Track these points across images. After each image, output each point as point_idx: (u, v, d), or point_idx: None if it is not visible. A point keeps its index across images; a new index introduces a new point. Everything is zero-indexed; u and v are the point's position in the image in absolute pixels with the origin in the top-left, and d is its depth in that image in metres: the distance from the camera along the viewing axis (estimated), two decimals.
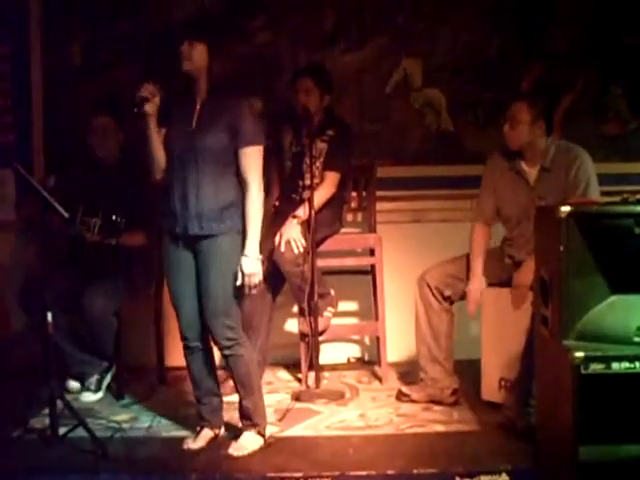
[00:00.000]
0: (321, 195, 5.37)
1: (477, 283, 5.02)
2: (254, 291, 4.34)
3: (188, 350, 4.49)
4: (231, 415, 4.72)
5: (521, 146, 4.94)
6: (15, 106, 6.17)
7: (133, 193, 5.31)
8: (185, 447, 4.47)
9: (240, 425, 4.53)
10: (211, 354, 4.55)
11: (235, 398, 4.92)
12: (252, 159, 4.30)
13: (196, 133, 4.28)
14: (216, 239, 4.29)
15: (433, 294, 5.05)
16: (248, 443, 4.43)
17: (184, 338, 4.47)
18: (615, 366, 3.52)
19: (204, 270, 4.32)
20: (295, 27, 6.12)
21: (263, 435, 4.49)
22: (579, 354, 3.53)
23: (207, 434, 4.52)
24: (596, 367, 3.52)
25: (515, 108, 4.92)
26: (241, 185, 4.32)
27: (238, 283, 4.29)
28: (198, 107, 4.34)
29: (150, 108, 4.26)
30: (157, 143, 4.32)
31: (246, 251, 4.29)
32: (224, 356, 4.44)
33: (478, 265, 5.04)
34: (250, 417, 4.48)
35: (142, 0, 6.19)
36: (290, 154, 5.63)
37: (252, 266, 4.28)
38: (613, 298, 3.66)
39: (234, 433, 4.59)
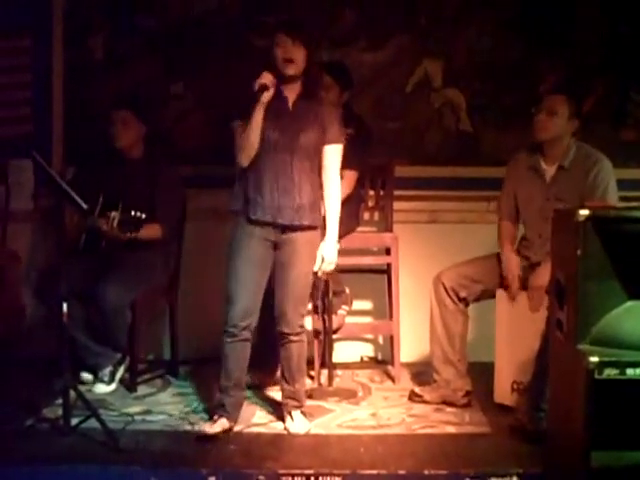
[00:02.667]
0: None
1: (515, 264, 4.99)
2: (325, 277, 4.66)
3: (231, 338, 4.52)
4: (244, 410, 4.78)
5: (550, 138, 4.91)
6: (35, 98, 6.18)
7: (153, 186, 5.33)
8: (200, 429, 4.52)
9: (287, 406, 4.71)
10: (249, 348, 4.60)
11: (247, 394, 4.96)
12: (337, 156, 4.60)
13: (295, 129, 4.46)
14: (310, 231, 4.53)
15: (449, 295, 5.04)
16: (303, 421, 4.69)
17: (233, 326, 4.50)
18: (630, 372, 3.50)
19: (293, 259, 4.52)
20: (316, 24, 6.11)
21: (305, 415, 4.74)
22: (593, 359, 3.51)
23: (224, 423, 4.55)
24: (610, 372, 3.50)
25: (554, 99, 4.90)
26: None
27: (315, 268, 4.54)
28: (290, 105, 4.50)
29: (267, 97, 4.38)
30: (258, 132, 4.42)
31: (327, 238, 4.55)
32: (290, 341, 4.61)
33: (510, 249, 5.04)
34: (299, 399, 4.72)
35: None
36: None
37: (333, 254, 4.58)
38: (629, 303, 3.65)
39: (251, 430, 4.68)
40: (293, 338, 4.60)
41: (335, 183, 4.59)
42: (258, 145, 4.44)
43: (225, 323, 4.53)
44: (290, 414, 4.69)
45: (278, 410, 4.87)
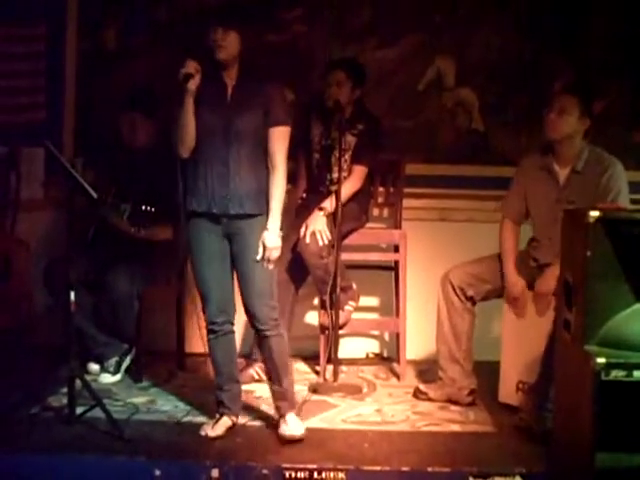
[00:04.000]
0: (348, 188, 5.38)
1: (513, 279, 4.99)
2: (271, 266, 4.36)
3: (213, 335, 4.48)
4: (249, 403, 4.80)
5: (562, 138, 4.88)
6: (48, 86, 6.19)
7: (164, 181, 5.31)
8: (202, 433, 4.47)
9: (279, 409, 4.54)
10: (234, 340, 4.57)
11: (252, 387, 4.97)
12: (280, 139, 4.38)
13: (231, 115, 4.32)
14: (256, 219, 4.36)
15: (456, 293, 5.03)
16: (298, 423, 4.49)
17: (211, 323, 4.46)
18: (637, 374, 3.50)
19: (245, 251, 4.37)
20: (331, 20, 6.11)
21: (299, 416, 4.57)
22: (601, 360, 3.51)
23: (226, 422, 4.51)
24: (617, 374, 3.50)
25: (565, 99, 4.88)
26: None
27: (258, 257, 4.33)
28: (230, 90, 4.38)
29: (192, 85, 4.28)
30: (191, 120, 4.33)
31: (268, 225, 4.34)
32: (266, 337, 4.44)
33: (510, 264, 5.01)
34: (290, 399, 4.55)
35: None
36: (319, 147, 5.63)
37: (273, 240, 4.33)
38: (638, 305, 3.65)
39: (256, 422, 4.68)
40: (268, 333, 4.44)
41: (280, 168, 4.36)
42: (196, 134, 4.35)
43: (205, 321, 4.50)
44: (284, 417, 4.51)
45: None
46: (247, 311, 4.47)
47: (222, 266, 4.45)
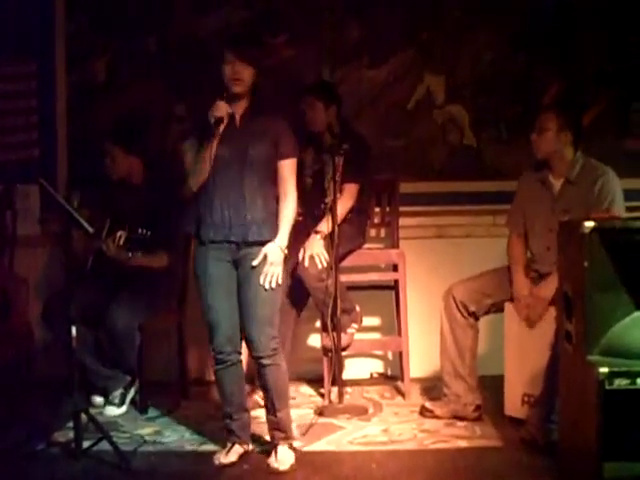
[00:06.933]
0: (341, 207, 5.36)
1: (524, 287, 4.99)
2: (272, 284, 4.32)
3: (222, 365, 4.45)
4: (253, 430, 4.73)
5: (547, 154, 4.97)
6: (40, 123, 6.21)
7: (157, 213, 5.33)
8: (216, 462, 4.44)
9: (273, 439, 4.47)
10: (242, 369, 4.54)
11: (257, 413, 4.94)
12: (291, 170, 4.48)
13: (244, 145, 4.36)
14: (263, 247, 4.37)
15: (458, 309, 5.04)
16: (287, 457, 4.40)
17: (219, 352, 4.43)
18: None
19: (251, 275, 4.35)
20: (319, 42, 6.13)
21: (294, 449, 4.48)
22: (603, 369, 3.52)
23: (237, 449, 4.48)
24: (621, 382, 3.51)
25: (543, 117, 4.99)
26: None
27: (254, 263, 4.32)
28: (238, 121, 4.40)
29: (222, 128, 4.32)
30: (209, 159, 4.33)
31: (275, 239, 4.37)
32: (262, 366, 4.38)
33: (520, 272, 5.02)
34: (285, 430, 4.46)
35: (167, 17, 6.23)
36: (311, 171, 5.65)
37: (275, 253, 4.35)
38: (637, 313, 3.66)
39: (262, 448, 4.63)
40: (265, 362, 4.36)
41: (291, 195, 4.45)
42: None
43: (212, 351, 4.47)
44: (276, 448, 4.43)
45: None
46: (246, 337, 4.44)
47: (229, 295, 4.42)
